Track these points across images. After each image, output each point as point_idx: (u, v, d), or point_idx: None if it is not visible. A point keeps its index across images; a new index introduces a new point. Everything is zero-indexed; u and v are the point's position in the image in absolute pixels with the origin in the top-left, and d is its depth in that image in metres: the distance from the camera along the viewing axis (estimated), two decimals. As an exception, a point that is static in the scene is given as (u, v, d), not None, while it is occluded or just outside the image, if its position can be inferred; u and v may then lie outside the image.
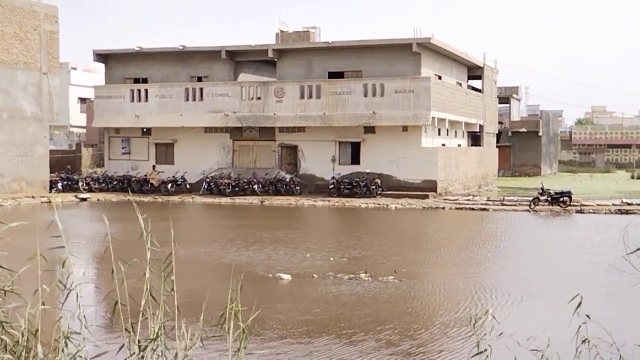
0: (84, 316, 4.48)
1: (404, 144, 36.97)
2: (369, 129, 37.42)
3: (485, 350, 4.24)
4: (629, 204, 32.02)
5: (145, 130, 41.69)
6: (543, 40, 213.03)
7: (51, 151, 41.36)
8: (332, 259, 17.89)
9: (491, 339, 4.46)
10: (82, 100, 60.83)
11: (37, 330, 4.39)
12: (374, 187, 35.79)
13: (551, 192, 32.16)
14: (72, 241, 4.61)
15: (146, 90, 41.04)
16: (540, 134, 61.74)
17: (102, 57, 43.31)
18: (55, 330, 4.60)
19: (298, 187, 37.22)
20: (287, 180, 37.58)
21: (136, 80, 42.54)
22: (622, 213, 30.33)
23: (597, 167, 78.08)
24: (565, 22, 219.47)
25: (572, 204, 31.65)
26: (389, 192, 35.94)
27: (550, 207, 31.53)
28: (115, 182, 39.59)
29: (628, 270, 4.67)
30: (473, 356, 4.30)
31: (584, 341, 4.45)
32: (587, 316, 4.47)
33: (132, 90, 41.27)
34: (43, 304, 4.63)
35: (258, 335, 10.85)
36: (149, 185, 38.78)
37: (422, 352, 10.09)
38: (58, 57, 38.83)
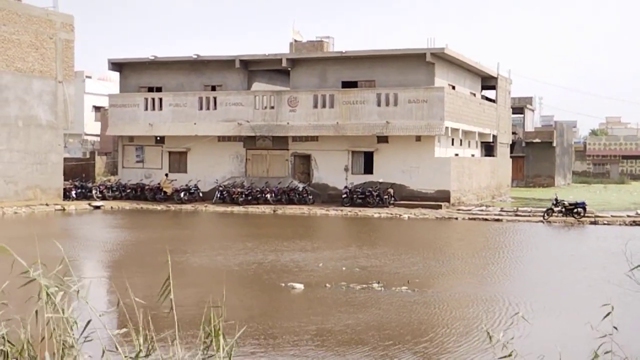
0: (72, 326, 4.46)
1: (417, 153, 36.91)
2: (382, 139, 37.39)
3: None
4: (643, 216, 31.77)
5: (159, 138, 41.84)
6: (557, 51, 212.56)
7: (65, 159, 41.56)
8: (344, 268, 17.86)
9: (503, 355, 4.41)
10: (97, 108, 61.14)
11: (28, 341, 4.40)
12: (386, 196, 35.73)
13: (565, 203, 31.95)
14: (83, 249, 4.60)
15: (160, 99, 41.22)
16: (554, 144, 61.49)
17: (117, 65, 43.57)
18: (56, 340, 4.59)
19: (311, 197, 37.21)
20: (300, 189, 37.58)
21: (150, 89, 42.74)
22: (637, 225, 30.11)
23: (611, 178, 77.62)
24: (579, 32, 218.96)
25: (586, 215, 31.43)
26: (402, 202, 35.86)
27: (564, 218, 31.36)
28: (128, 190, 39.74)
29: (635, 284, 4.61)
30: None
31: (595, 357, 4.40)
32: (615, 328, 4.41)
33: (147, 99, 41.46)
34: (55, 311, 4.63)
35: (294, 345, 10.81)
36: (162, 194, 38.89)
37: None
38: (73, 65, 39.11)
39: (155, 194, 39.12)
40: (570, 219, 31.19)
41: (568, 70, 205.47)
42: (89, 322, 4.49)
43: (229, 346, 4.33)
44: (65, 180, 39.06)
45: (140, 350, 4.33)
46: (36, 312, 4.53)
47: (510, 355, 4.27)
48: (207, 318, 4.53)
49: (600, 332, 4.40)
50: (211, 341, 4.35)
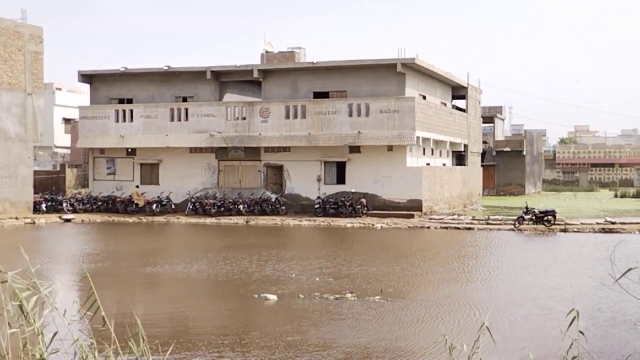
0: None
1: (389, 163, 37.08)
2: (354, 149, 37.52)
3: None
4: (612, 223, 32.21)
5: (130, 150, 41.59)
6: (526, 60, 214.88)
7: (35, 172, 41.14)
8: (317, 278, 17.86)
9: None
10: (67, 120, 60.65)
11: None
12: (359, 206, 35.83)
13: (535, 211, 32.28)
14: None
15: (131, 111, 40.99)
16: (524, 153, 62.09)
17: (87, 77, 43.26)
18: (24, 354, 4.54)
19: (284, 207, 37.20)
20: (273, 200, 37.56)
21: (121, 101, 42.50)
22: (606, 232, 30.49)
23: (580, 186, 78.57)
24: (547, 42, 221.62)
25: (556, 223, 31.79)
26: (375, 212, 35.98)
27: (535, 226, 31.66)
28: (99, 203, 39.42)
29: (615, 287, 4.68)
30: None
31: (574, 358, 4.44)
32: (581, 332, 4.46)
33: (117, 111, 41.22)
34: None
35: (264, 358, 10.78)
36: (134, 206, 38.63)
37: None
38: (42, 77, 38.78)
39: (126, 206, 38.85)
40: (540, 226, 31.51)
41: (537, 80, 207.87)
42: (55, 334, 4.44)
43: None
44: (35, 193, 38.67)
45: None
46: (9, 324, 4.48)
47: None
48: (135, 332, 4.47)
49: (571, 338, 4.45)
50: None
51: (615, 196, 58.57)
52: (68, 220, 35.89)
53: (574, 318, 4.44)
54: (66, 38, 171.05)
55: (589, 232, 30.67)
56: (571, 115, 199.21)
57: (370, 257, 22.66)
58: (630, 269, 4.26)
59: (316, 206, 36.45)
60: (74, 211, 38.26)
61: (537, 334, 12.28)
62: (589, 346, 4.52)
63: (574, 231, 30.92)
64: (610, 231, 30.54)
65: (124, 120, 40.94)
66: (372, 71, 37.98)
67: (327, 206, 36.26)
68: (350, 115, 36.88)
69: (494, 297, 15.89)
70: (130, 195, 39.28)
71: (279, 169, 39.26)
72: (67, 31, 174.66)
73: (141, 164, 41.68)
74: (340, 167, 38.10)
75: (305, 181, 38.36)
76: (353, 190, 36.95)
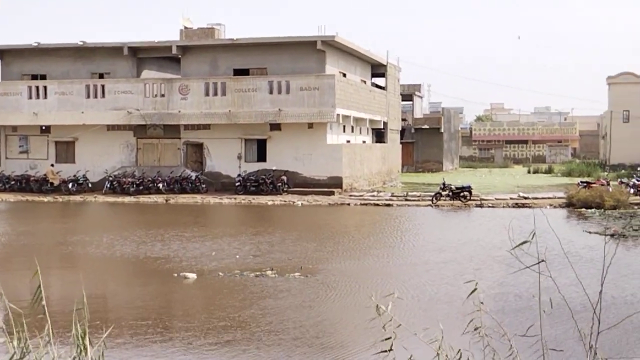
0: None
1: (309, 141, 37.24)
2: (275, 126, 37.50)
3: (390, 337, 4.41)
4: (525, 198, 33.30)
5: (44, 128, 40.42)
6: (444, 39, 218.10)
7: (-57, 150, 39.56)
8: (237, 256, 17.89)
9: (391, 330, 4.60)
10: (-24, 97, 58.38)
11: None
12: (280, 184, 35.91)
13: (452, 187, 33.06)
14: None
15: (45, 87, 39.78)
16: (442, 130, 63.23)
17: (-2, 52, 41.73)
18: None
19: (204, 185, 36.93)
20: (193, 178, 37.22)
21: (34, 77, 41.21)
22: (519, 207, 31.48)
23: (495, 163, 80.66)
24: (465, 20, 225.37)
25: (472, 198, 32.63)
26: (295, 189, 36.12)
27: (452, 201, 32.43)
28: (12, 182, 38.29)
29: (515, 262, 4.89)
30: (382, 340, 4.47)
31: (476, 329, 4.62)
32: (482, 302, 4.65)
33: (30, 87, 39.93)
34: None
35: (182, 337, 10.75)
36: (49, 185, 37.67)
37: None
38: (-51, 52, 37.19)
39: (41, 185, 37.84)
40: (457, 202, 32.29)
41: (455, 58, 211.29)
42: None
43: (96, 347, 4.22)
44: (-57, 172, 37.22)
45: (15, 353, 4.22)
46: None
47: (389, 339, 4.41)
48: (79, 318, 4.42)
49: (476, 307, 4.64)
50: (79, 346, 4.22)
51: (529, 172, 60.43)
52: (-21, 201, 34.73)
53: (474, 289, 4.65)
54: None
55: (503, 207, 31.60)
56: (487, 93, 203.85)
57: (290, 234, 22.80)
58: (525, 242, 4.50)
59: (237, 184, 36.33)
60: (-14, 191, 37.04)
61: (451, 305, 12.64)
62: (486, 321, 4.70)
63: (489, 206, 31.81)
64: (523, 206, 31.54)
65: (38, 97, 39.70)
66: (292, 48, 37.94)
67: (248, 184, 36.19)
68: (271, 92, 36.79)
69: (414, 271, 16.25)
70: (45, 174, 38.26)
71: (199, 146, 38.90)
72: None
73: (56, 142, 40.59)
74: (261, 145, 38.03)
75: (225, 159, 38.16)
76: (274, 168, 36.96)
